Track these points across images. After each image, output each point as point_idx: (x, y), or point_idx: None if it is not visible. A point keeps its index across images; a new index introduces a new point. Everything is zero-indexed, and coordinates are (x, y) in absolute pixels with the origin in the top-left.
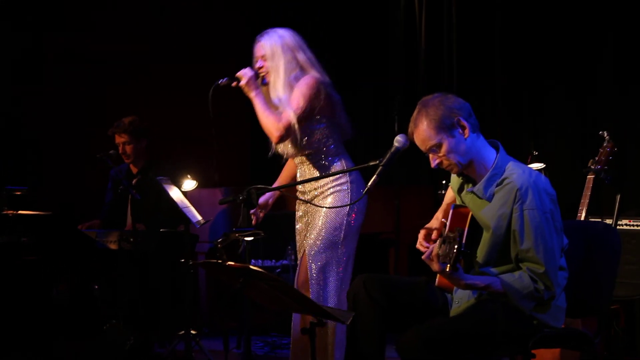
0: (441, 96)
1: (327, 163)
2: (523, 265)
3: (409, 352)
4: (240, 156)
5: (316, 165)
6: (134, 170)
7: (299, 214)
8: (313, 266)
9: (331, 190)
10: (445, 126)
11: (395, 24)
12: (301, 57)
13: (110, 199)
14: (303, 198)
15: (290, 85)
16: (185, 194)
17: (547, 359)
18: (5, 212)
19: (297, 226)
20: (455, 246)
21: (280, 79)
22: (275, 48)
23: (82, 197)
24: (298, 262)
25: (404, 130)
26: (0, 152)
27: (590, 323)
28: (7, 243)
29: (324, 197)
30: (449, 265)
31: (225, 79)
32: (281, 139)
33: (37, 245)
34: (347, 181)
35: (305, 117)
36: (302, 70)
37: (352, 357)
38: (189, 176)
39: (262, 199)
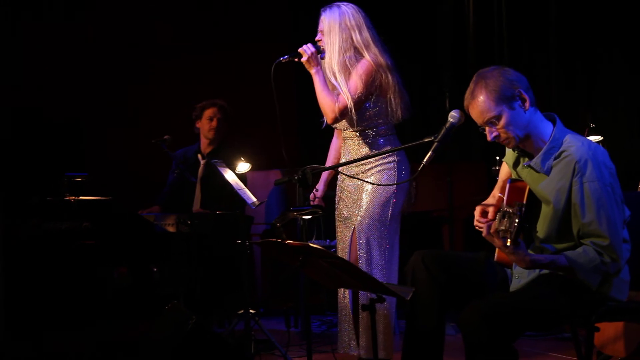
0: (499, 68)
1: (374, 142)
2: (586, 240)
3: (470, 328)
4: (289, 138)
5: (364, 142)
6: (206, 150)
7: (340, 190)
8: (362, 242)
9: (378, 168)
10: (506, 98)
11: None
12: (357, 37)
13: (172, 180)
14: (347, 179)
15: (345, 65)
16: (240, 176)
17: (611, 332)
18: (66, 198)
19: (341, 203)
20: (516, 220)
21: (335, 56)
22: (332, 25)
23: (139, 182)
24: (346, 239)
25: (454, 106)
26: (60, 139)
27: None
28: (69, 228)
29: (370, 175)
30: (509, 240)
31: (287, 56)
32: (335, 121)
33: (98, 230)
34: (394, 160)
35: (362, 101)
36: (357, 51)
37: (412, 333)
38: (242, 158)
39: (320, 190)
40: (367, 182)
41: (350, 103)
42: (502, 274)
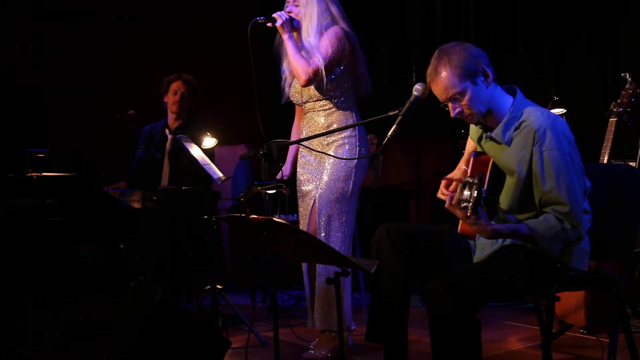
0: (461, 44)
1: (336, 114)
2: (547, 208)
3: (434, 299)
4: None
5: (325, 113)
6: (173, 125)
7: (301, 163)
8: (322, 215)
9: (339, 142)
10: (470, 73)
11: None
12: (333, 8)
13: (140, 156)
14: (307, 152)
15: (321, 33)
16: (206, 151)
17: (572, 302)
18: (29, 175)
19: (302, 177)
20: (476, 189)
21: (312, 25)
22: None
23: (104, 158)
24: (306, 211)
25: (421, 79)
26: (21, 116)
27: (614, 266)
28: (33, 206)
29: (330, 149)
30: (469, 209)
31: (263, 17)
32: (309, 82)
33: (62, 207)
34: (355, 135)
35: (332, 65)
36: (333, 21)
37: (377, 305)
38: (208, 134)
39: (286, 169)
40: (332, 155)
41: (321, 65)
42: (465, 245)
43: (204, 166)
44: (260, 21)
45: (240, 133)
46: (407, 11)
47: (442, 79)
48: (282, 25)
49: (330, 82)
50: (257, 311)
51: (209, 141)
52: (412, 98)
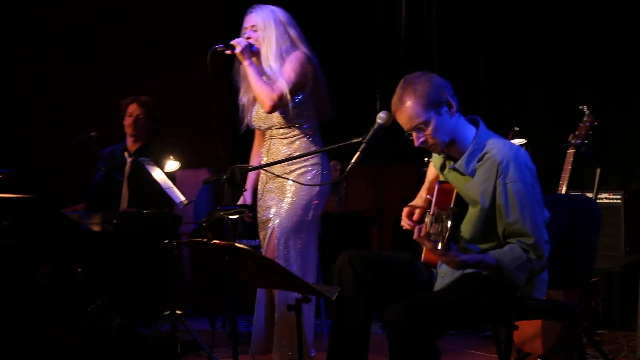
0: (426, 74)
1: (299, 141)
2: (512, 239)
3: (394, 327)
4: (222, 136)
5: (288, 141)
6: (132, 148)
7: (261, 190)
8: (281, 243)
9: (302, 170)
10: (434, 104)
11: (377, 1)
12: (292, 32)
13: (99, 179)
14: (269, 175)
15: (281, 57)
16: (169, 175)
17: (530, 330)
18: None
19: (262, 203)
20: (449, 224)
21: (272, 49)
22: (267, 20)
23: (64, 180)
24: (265, 238)
25: (386, 107)
26: None
27: (571, 295)
28: None
29: (293, 176)
30: (441, 244)
31: (222, 45)
32: (274, 108)
33: (19, 228)
34: (318, 162)
35: (296, 90)
36: (293, 44)
37: (337, 332)
38: (171, 157)
39: (248, 196)
40: (296, 181)
41: (285, 90)
42: (427, 273)
43: (166, 190)
44: (219, 49)
45: (203, 157)
46: (375, 39)
47: (407, 108)
48: (241, 51)
49: (293, 108)
50: (217, 337)
51: (172, 164)
52: (375, 126)
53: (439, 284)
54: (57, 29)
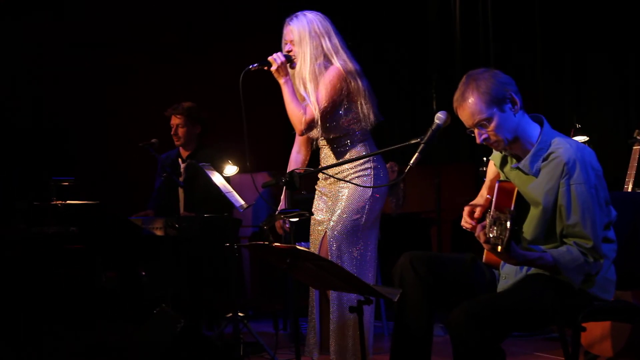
0: (489, 70)
1: (350, 148)
2: (569, 240)
3: (458, 329)
4: (277, 140)
5: (340, 149)
6: (184, 154)
7: (318, 194)
8: (334, 247)
9: (354, 174)
10: (497, 100)
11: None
12: (327, 44)
13: (160, 185)
14: (327, 181)
15: (315, 74)
16: (227, 179)
17: (597, 332)
18: (53, 203)
19: (317, 207)
20: (508, 228)
21: (306, 65)
22: (302, 33)
23: (126, 186)
24: (317, 242)
25: (441, 107)
26: (46, 144)
27: None
28: (56, 233)
29: (350, 180)
30: (500, 247)
31: (256, 64)
32: (303, 133)
33: (85, 234)
34: (371, 167)
35: (330, 112)
36: (326, 58)
37: (400, 334)
38: (229, 161)
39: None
40: (353, 183)
41: (317, 114)
42: (489, 274)
43: (226, 194)
44: (254, 68)
45: (262, 160)
46: (431, 39)
47: (470, 104)
48: (277, 69)
49: (335, 122)
50: (279, 339)
51: (230, 169)
52: (434, 126)
53: (501, 285)
54: (112, 40)
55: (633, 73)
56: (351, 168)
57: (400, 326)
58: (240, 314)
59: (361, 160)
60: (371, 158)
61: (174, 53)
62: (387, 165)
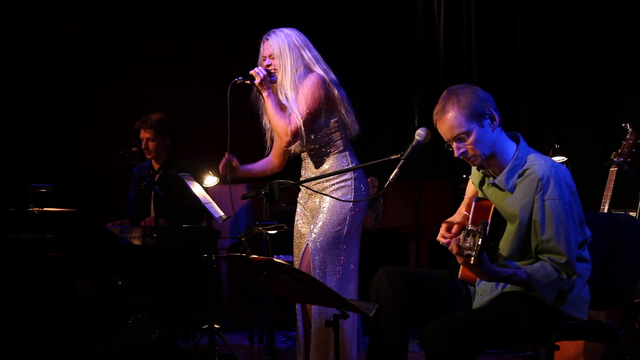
0: (470, 86)
1: (331, 158)
2: (543, 256)
3: (432, 345)
4: (258, 153)
5: (321, 159)
6: (156, 166)
7: (300, 207)
8: (316, 259)
9: (335, 186)
10: (477, 115)
11: (415, 17)
12: (307, 54)
13: (134, 196)
14: (308, 193)
15: (296, 84)
16: (207, 189)
17: (571, 351)
18: (30, 209)
19: (299, 220)
20: (480, 239)
21: (287, 77)
22: (282, 46)
23: (105, 194)
24: (300, 255)
25: (424, 124)
26: (24, 151)
27: (614, 316)
28: (33, 240)
29: (328, 192)
30: (473, 258)
31: (241, 77)
32: (290, 144)
33: (62, 242)
34: (352, 177)
35: (312, 119)
36: (307, 68)
37: (375, 349)
38: (210, 172)
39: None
40: (333, 197)
41: (300, 122)
42: (465, 291)
43: (205, 205)
44: (238, 82)
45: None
46: (414, 56)
47: (450, 118)
48: (260, 82)
49: (317, 132)
50: (254, 352)
51: (211, 180)
52: (414, 142)
53: (477, 302)
54: (93, 48)
55: (611, 95)
56: (332, 179)
57: (375, 341)
58: (216, 325)
59: (343, 173)
60: (353, 170)
61: (155, 61)
62: (368, 179)
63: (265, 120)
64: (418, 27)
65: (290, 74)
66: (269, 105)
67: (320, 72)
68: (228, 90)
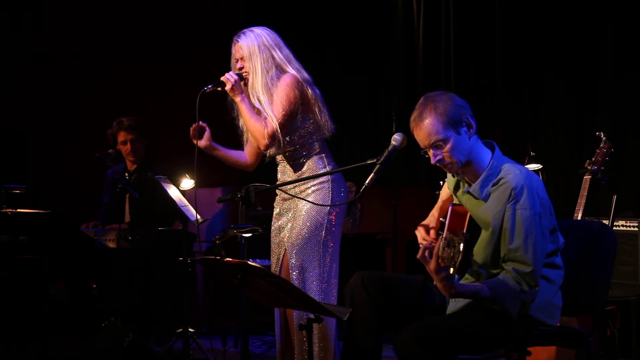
0: (447, 93)
1: (308, 160)
2: (508, 265)
3: (405, 350)
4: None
5: (297, 162)
6: (131, 167)
7: (277, 211)
8: (294, 263)
9: (313, 188)
10: (454, 122)
11: (395, 22)
12: (277, 55)
13: (108, 200)
14: (284, 196)
15: (268, 86)
16: (183, 192)
17: (543, 356)
18: (3, 211)
19: (276, 224)
20: (461, 249)
21: (258, 79)
22: (252, 47)
23: (80, 196)
24: (278, 259)
25: (401, 129)
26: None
27: (586, 322)
28: (5, 242)
29: (305, 196)
30: (452, 269)
31: (211, 85)
32: (268, 147)
33: (35, 244)
34: (329, 179)
35: (288, 120)
36: (279, 69)
37: (349, 353)
38: (187, 175)
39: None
40: (309, 201)
41: (276, 125)
42: (440, 297)
43: (181, 207)
44: (208, 90)
45: (220, 175)
46: (393, 61)
47: (427, 125)
48: (232, 88)
49: (292, 134)
50: (229, 356)
51: (187, 183)
52: (390, 147)
53: (451, 308)
54: (77, 50)
55: (586, 105)
56: (309, 182)
57: (349, 345)
58: (190, 329)
59: (319, 176)
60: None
61: (133, 64)
62: (347, 184)
63: (241, 123)
64: (397, 31)
65: (261, 75)
66: (243, 109)
67: (293, 71)
68: (197, 100)
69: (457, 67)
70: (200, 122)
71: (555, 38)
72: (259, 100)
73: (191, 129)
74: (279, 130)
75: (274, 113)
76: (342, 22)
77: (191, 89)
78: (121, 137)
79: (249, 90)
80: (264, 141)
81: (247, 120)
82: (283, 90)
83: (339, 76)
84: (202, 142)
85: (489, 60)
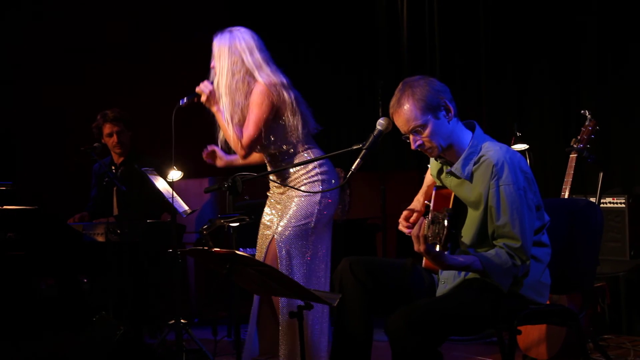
0: (425, 78)
1: (294, 158)
2: (498, 241)
3: (396, 333)
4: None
5: (284, 162)
6: (118, 160)
7: (269, 202)
8: (283, 252)
9: (304, 181)
10: (432, 107)
11: (379, 6)
12: (247, 59)
13: (95, 194)
14: (277, 190)
15: (230, 88)
16: (171, 184)
17: (534, 336)
18: None
19: (266, 218)
20: (445, 224)
21: (223, 79)
22: (222, 48)
23: (66, 191)
24: (263, 248)
25: (387, 114)
26: None
27: (576, 300)
28: None
29: (295, 185)
30: (439, 245)
31: (186, 99)
32: (245, 156)
33: (23, 240)
34: (319, 172)
35: (264, 128)
36: (248, 74)
37: (339, 339)
38: (174, 167)
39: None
40: (300, 190)
41: (251, 134)
42: (428, 279)
43: (169, 199)
44: (185, 104)
45: (206, 166)
46: (378, 46)
47: (405, 111)
48: (207, 98)
49: (274, 140)
50: (222, 346)
51: (175, 174)
52: (375, 132)
53: (440, 290)
54: (62, 41)
55: (571, 84)
56: (301, 175)
57: (340, 331)
58: (183, 320)
59: (309, 167)
60: (319, 163)
61: (118, 55)
62: (336, 170)
63: (221, 135)
64: (382, 17)
65: (225, 77)
66: (220, 120)
67: (265, 78)
68: (173, 115)
69: (442, 49)
70: (209, 147)
71: (539, 18)
72: (222, 100)
73: (204, 154)
74: (254, 139)
75: (248, 124)
76: (327, 8)
77: (171, 83)
78: (107, 129)
79: (214, 89)
80: (241, 151)
81: (224, 130)
82: (256, 100)
83: (325, 64)
84: (219, 162)
85: (474, 42)
